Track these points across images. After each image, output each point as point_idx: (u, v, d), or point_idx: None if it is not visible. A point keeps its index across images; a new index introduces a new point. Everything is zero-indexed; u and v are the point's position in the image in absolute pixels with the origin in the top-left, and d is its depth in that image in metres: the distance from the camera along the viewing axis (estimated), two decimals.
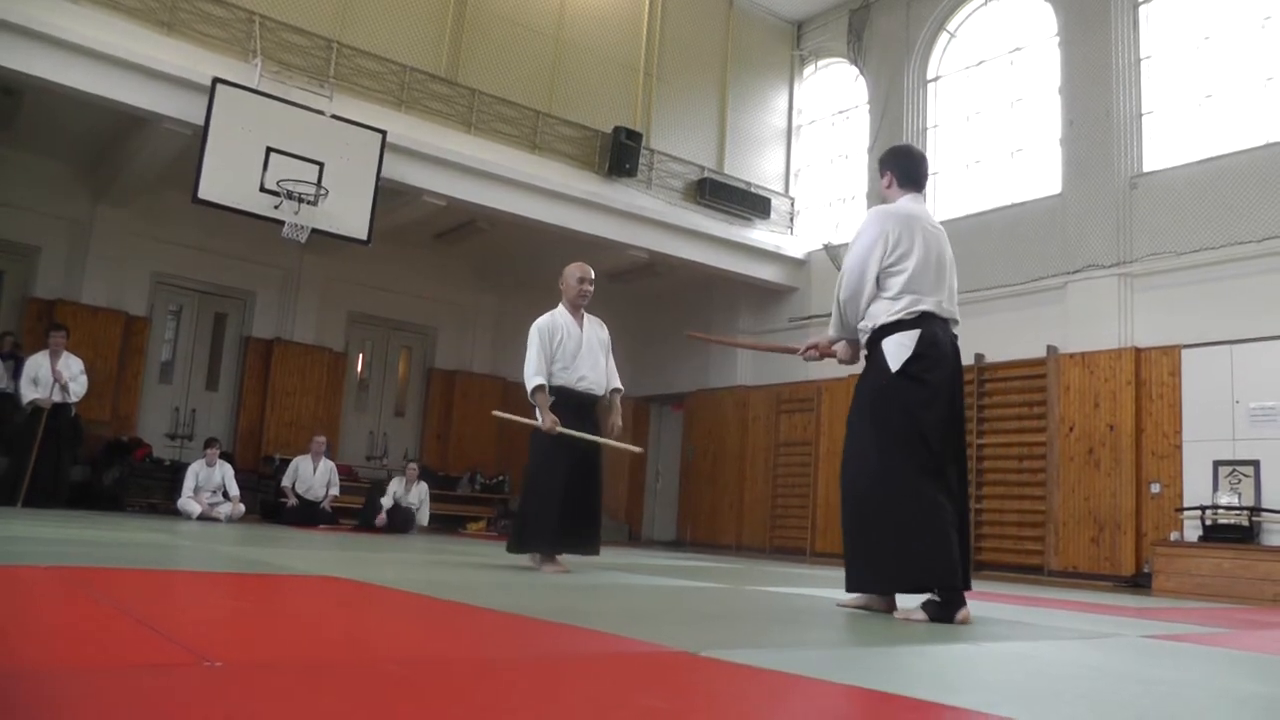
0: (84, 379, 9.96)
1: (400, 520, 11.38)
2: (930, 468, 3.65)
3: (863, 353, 3.99)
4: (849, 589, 3.84)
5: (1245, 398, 9.25)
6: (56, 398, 9.64)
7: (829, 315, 4.16)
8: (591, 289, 5.69)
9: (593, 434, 5.49)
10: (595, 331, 5.68)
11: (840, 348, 4.12)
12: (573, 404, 5.46)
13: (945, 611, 3.54)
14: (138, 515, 10.15)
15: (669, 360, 15.11)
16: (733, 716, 1.60)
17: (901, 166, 4.10)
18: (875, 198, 12.93)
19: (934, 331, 3.79)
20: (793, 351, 4.47)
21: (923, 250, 3.84)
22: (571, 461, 5.36)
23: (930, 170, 4.68)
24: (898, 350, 3.75)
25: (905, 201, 4.02)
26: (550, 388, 5.42)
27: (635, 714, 1.53)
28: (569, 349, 5.50)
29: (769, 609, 3.73)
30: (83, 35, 8.87)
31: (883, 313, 3.82)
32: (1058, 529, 10.42)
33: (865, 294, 3.87)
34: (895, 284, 3.81)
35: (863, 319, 3.90)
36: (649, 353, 15.09)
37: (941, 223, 4.19)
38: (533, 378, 5.34)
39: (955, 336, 3.92)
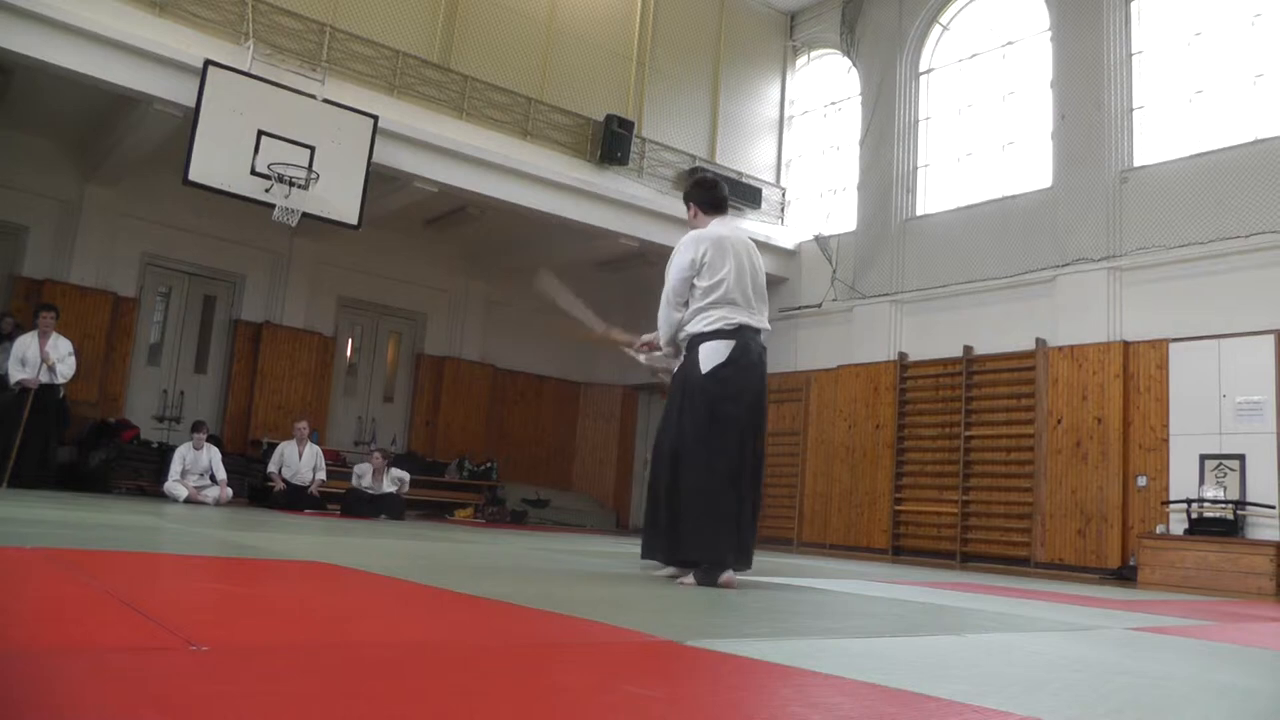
0: (72, 360, 9.89)
1: (391, 507, 11.35)
2: (725, 461, 4.04)
3: (683, 353, 4.36)
4: (642, 555, 4.30)
5: (1232, 392, 9.31)
6: (44, 378, 9.57)
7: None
8: None
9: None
10: None
11: (667, 354, 4.54)
12: None
13: (710, 576, 3.94)
14: (124, 497, 10.11)
15: None
16: (724, 706, 1.61)
17: (702, 197, 4.50)
18: (867, 189, 12.97)
19: (746, 341, 4.20)
20: (629, 345, 4.82)
21: (735, 267, 4.25)
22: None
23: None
24: (711, 355, 4.16)
25: (715, 225, 4.38)
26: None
27: (628, 701, 1.54)
28: None
29: (754, 599, 3.74)
30: (74, 14, 8.80)
31: (701, 322, 4.23)
32: (1044, 521, 10.48)
33: (678, 312, 4.32)
34: (712, 298, 4.21)
35: (683, 330, 4.32)
36: None
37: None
38: None
39: (763, 346, 4.34)
